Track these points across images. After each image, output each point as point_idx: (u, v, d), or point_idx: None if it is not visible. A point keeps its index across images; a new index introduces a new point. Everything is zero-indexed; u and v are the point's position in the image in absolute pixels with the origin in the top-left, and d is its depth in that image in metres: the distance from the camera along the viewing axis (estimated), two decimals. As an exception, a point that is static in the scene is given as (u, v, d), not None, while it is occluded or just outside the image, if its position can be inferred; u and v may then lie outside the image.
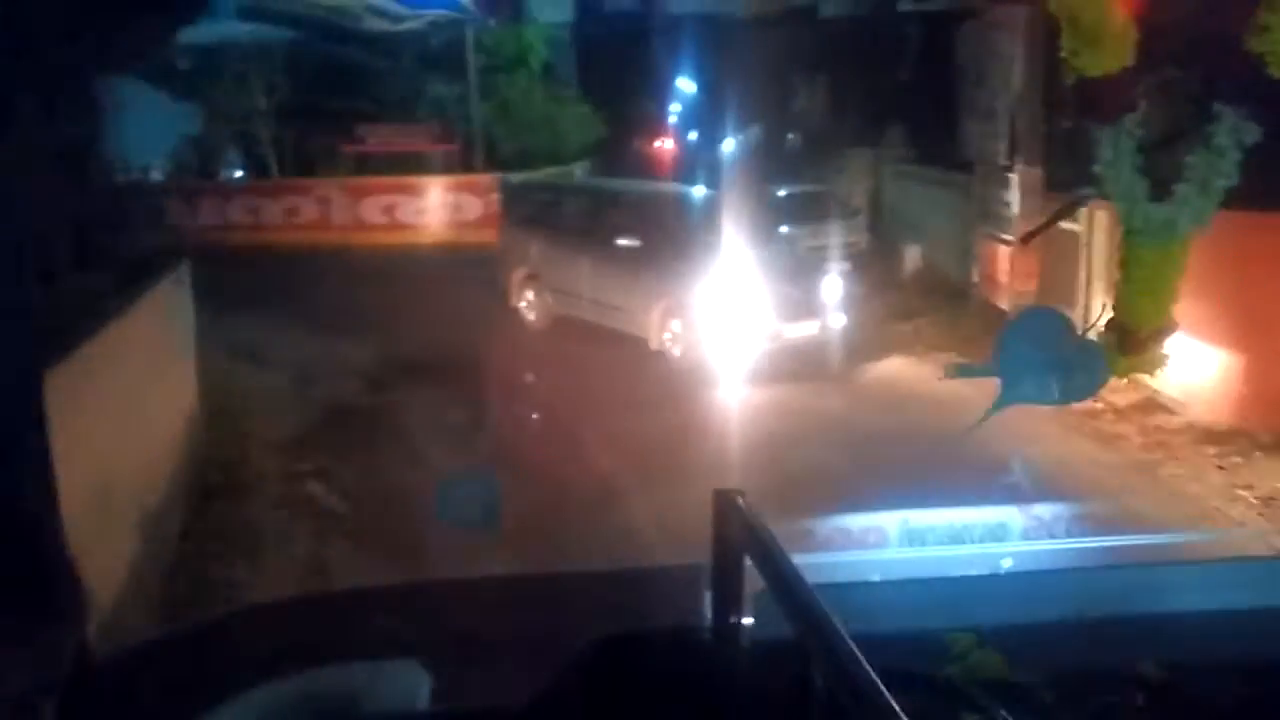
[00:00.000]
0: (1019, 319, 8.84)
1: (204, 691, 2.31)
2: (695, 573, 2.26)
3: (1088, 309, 10.58)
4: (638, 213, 12.76)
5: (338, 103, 23.33)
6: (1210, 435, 8.75)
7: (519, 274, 13.80)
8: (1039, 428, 9.29)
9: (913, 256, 15.63)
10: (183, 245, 17.95)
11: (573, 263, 12.77)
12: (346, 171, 21.66)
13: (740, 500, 2.00)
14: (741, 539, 1.97)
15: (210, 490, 7.42)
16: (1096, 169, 8.51)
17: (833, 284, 11.85)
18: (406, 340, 12.14)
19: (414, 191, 21.62)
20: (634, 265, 11.93)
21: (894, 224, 17.79)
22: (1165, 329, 8.57)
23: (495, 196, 21.30)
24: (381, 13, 20.34)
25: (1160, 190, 8.20)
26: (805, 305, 11.44)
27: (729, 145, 40.60)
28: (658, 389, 10.44)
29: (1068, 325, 7.66)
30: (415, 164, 21.95)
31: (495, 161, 23.13)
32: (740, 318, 10.88)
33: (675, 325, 11.40)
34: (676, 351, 11.36)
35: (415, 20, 21.39)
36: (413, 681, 2.39)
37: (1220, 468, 8.27)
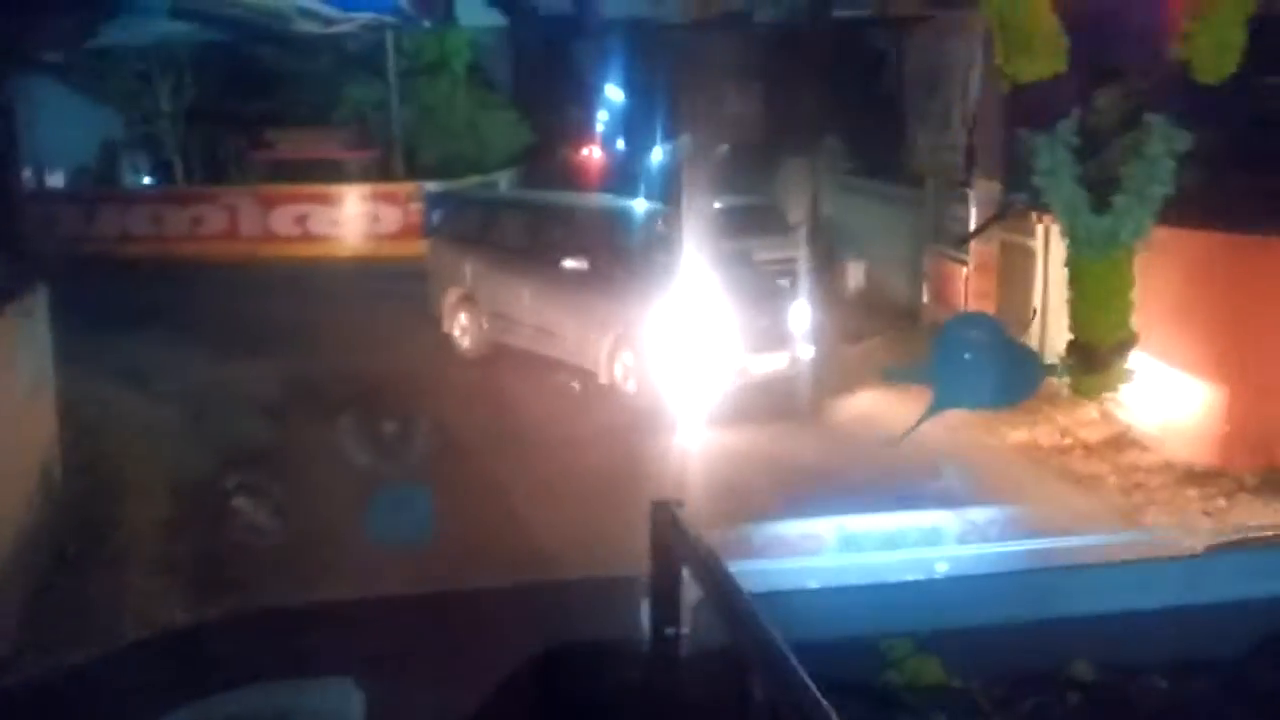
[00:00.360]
0: (952, 323, 8.46)
1: (127, 714, 2.28)
2: (633, 584, 2.28)
3: (1044, 328, 9.93)
4: (584, 230, 11.57)
5: (250, 106, 22.05)
6: (1191, 476, 8.03)
7: (452, 296, 12.41)
8: (1006, 468, 8.56)
9: (856, 274, 14.89)
10: (68, 258, 16.80)
11: (512, 285, 11.51)
12: (257, 179, 20.32)
13: (677, 511, 2.00)
14: (679, 550, 1.98)
15: (66, 560, 6.28)
16: (1034, 179, 8.28)
17: (800, 310, 10.71)
18: (321, 369, 10.96)
19: (328, 201, 20.39)
20: (581, 289, 10.73)
21: (835, 239, 17.07)
22: (1125, 343, 8.36)
23: (415, 207, 20.25)
24: (313, 15, 18.43)
25: (1100, 200, 8.11)
26: (772, 335, 10.28)
27: (657, 155, 40.15)
28: (607, 431, 9.32)
29: (1001, 329, 7.92)
30: (331, 172, 20.71)
31: (416, 169, 22.00)
32: (701, 349, 9.72)
33: (627, 357, 10.20)
34: (629, 387, 10.16)
35: (348, 23, 20.04)
36: (345, 699, 2.35)
37: (1206, 513, 7.56)
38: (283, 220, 20.24)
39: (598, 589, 2.90)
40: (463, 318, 12.26)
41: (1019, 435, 9.04)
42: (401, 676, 2.52)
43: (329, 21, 18.56)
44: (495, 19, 23.33)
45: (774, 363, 10.25)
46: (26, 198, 18.80)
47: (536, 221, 12.21)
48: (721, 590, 1.81)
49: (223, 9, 17.99)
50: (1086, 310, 8.36)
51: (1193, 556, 3.31)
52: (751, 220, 15.71)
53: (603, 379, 10.39)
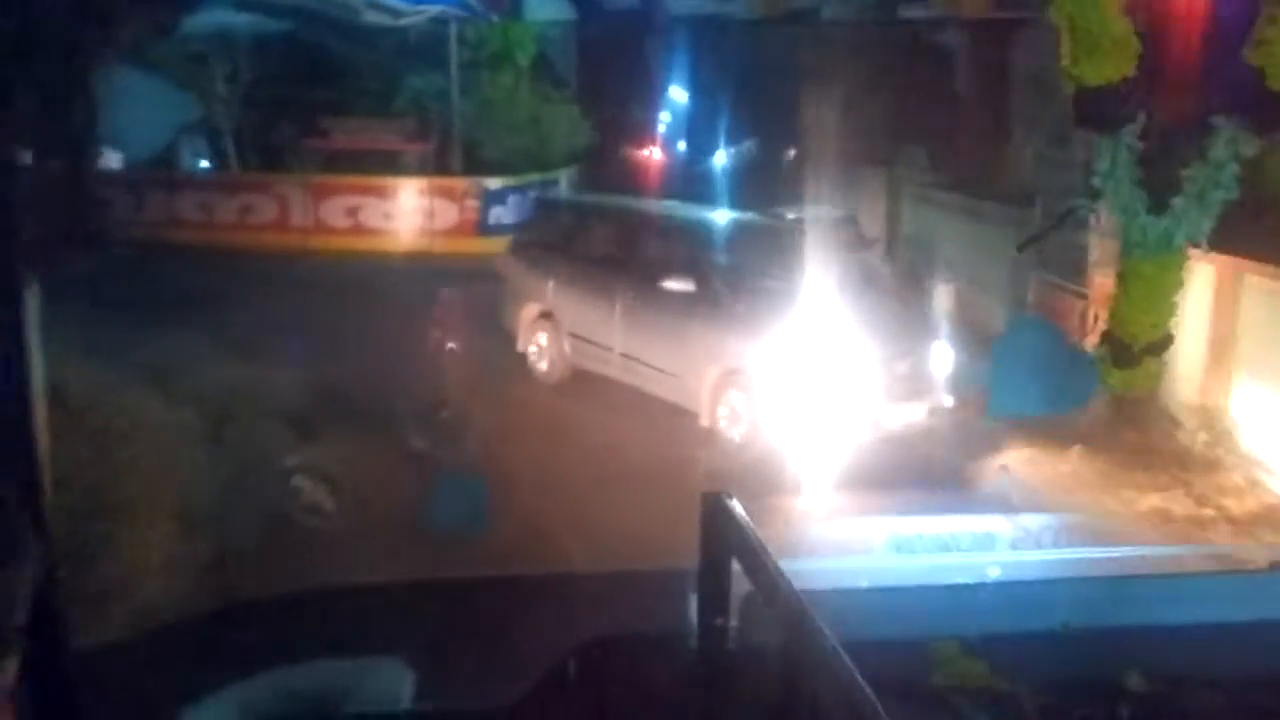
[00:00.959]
0: (1009, 331, 8.81)
1: (188, 685, 2.47)
2: (682, 577, 2.31)
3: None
4: (688, 245, 10.17)
5: (307, 93, 21.32)
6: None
7: (529, 311, 11.03)
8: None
9: (945, 298, 13.69)
10: (112, 243, 16.16)
11: (600, 304, 10.12)
12: (310, 168, 19.53)
13: (730, 502, 2.04)
14: (730, 542, 2.00)
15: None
16: (1094, 181, 8.34)
17: (942, 349, 9.05)
18: (371, 387, 9.74)
19: (382, 193, 19.57)
20: (683, 314, 9.36)
21: (917, 258, 15.87)
22: (1162, 343, 8.37)
23: (473, 203, 19.40)
24: (381, 7, 18.89)
25: (1158, 203, 8.11)
26: (913, 380, 8.69)
27: (720, 158, 39.00)
28: (705, 487, 7.93)
29: (1058, 336, 8.19)
30: (386, 163, 19.89)
31: (475, 164, 21.11)
32: (825, 394, 8.20)
33: (735, 398, 8.82)
34: (735, 434, 8.82)
35: (416, 16, 19.64)
36: (395, 679, 2.54)
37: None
38: (334, 212, 19.46)
39: (646, 580, 2.89)
40: (541, 338, 10.94)
41: (1149, 501, 7.89)
42: (449, 660, 2.64)
43: (397, 14, 19.28)
44: (563, 12, 22.64)
45: (911, 414, 8.71)
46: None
47: (632, 232, 10.78)
48: (771, 585, 1.79)
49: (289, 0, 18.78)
50: (1128, 308, 8.25)
51: (1254, 572, 3.26)
52: (830, 235, 14.57)
53: (703, 421, 9.07)
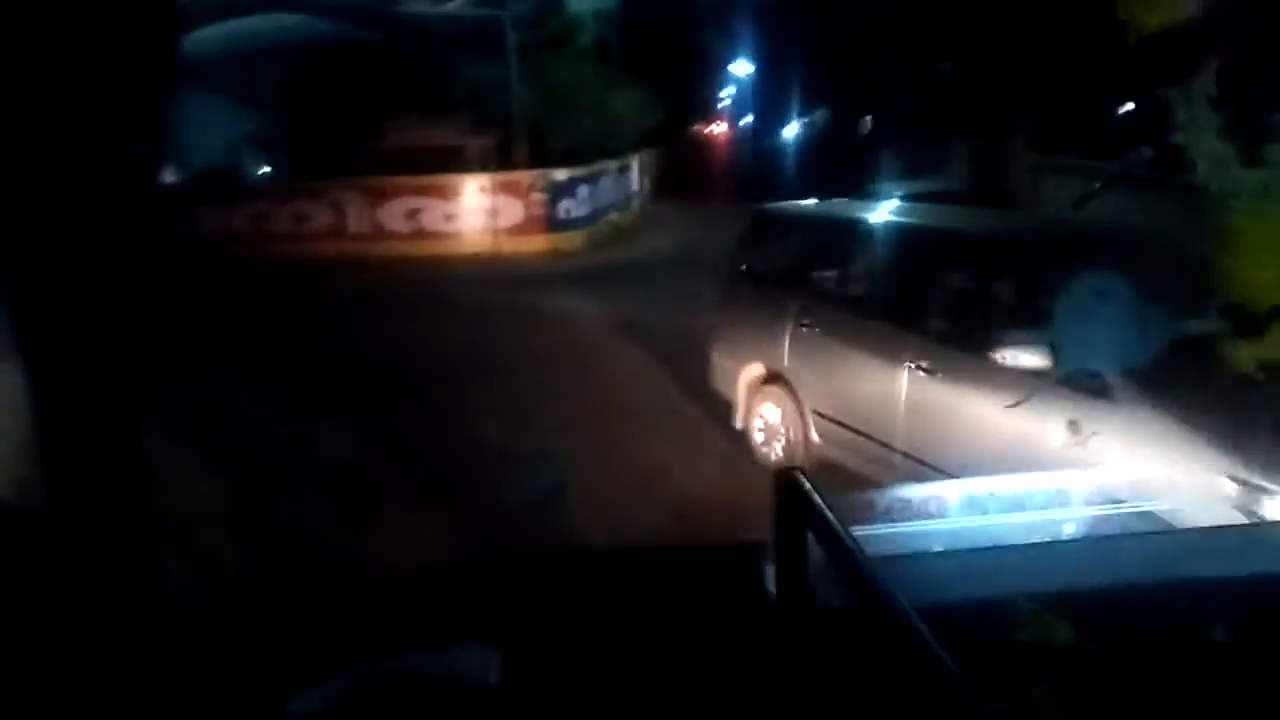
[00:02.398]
0: (1073, 286, 6.61)
1: (293, 669, 2.54)
2: (758, 549, 2.40)
3: None
4: (1022, 280, 6.06)
5: (361, 94, 20.06)
6: None
7: (751, 372, 7.54)
8: None
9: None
10: (162, 260, 14.98)
11: (873, 372, 6.41)
12: (366, 171, 18.22)
13: (800, 476, 2.08)
14: (803, 515, 2.05)
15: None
16: (1176, 135, 6.88)
17: None
18: (479, 454, 7.33)
19: (443, 193, 18.20)
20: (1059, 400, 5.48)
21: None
22: None
23: (539, 197, 17.93)
24: None
25: (1250, 153, 6.68)
26: None
27: (791, 130, 36.91)
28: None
29: (1125, 286, 6.33)
30: (446, 160, 18.51)
31: (540, 154, 19.65)
32: None
33: None
34: None
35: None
36: (485, 661, 2.55)
37: None
38: (394, 215, 18.15)
39: (723, 553, 3.03)
40: (770, 412, 7.34)
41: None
42: (535, 639, 2.72)
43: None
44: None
45: None
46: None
47: (918, 262, 6.64)
48: (845, 555, 1.85)
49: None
50: (1241, 268, 6.74)
51: None
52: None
53: None
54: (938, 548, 3.00)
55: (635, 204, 23.38)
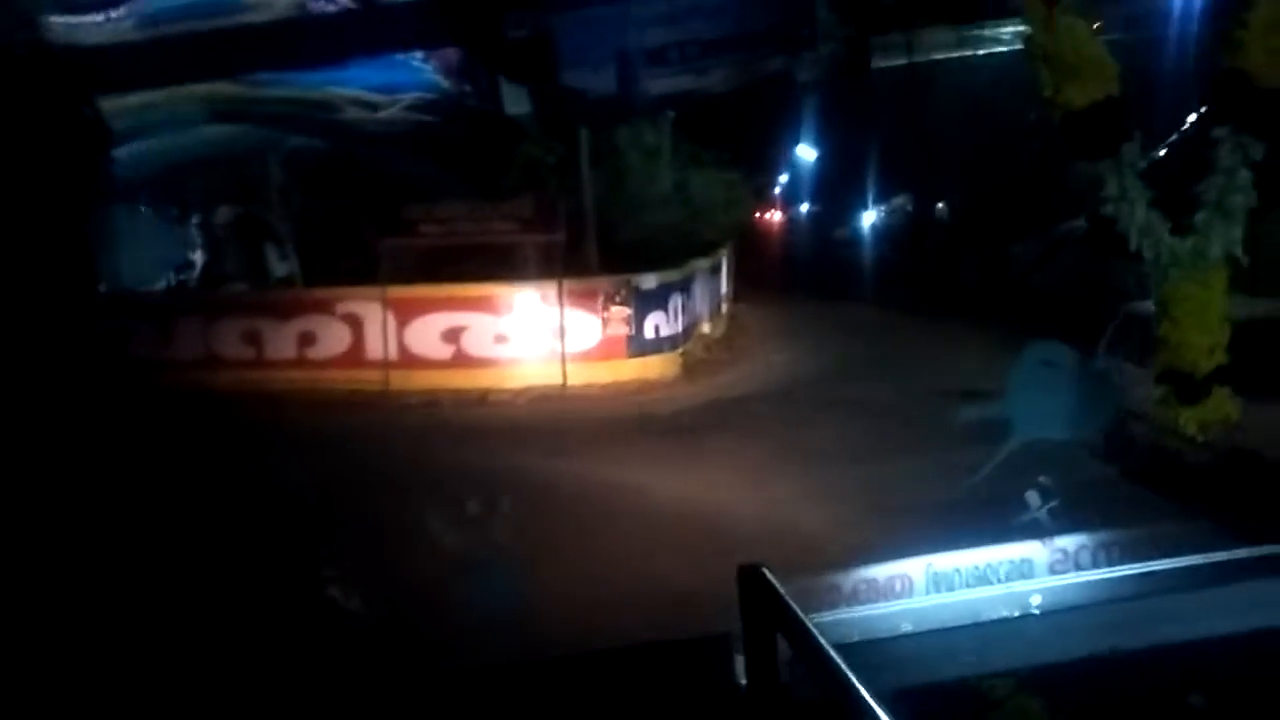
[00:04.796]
0: (1027, 355, 7.61)
1: None
2: (726, 640, 2.55)
3: None
4: None
5: (379, 175, 15.85)
6: None
7: None
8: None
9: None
10: (127, 396, 11.01)
11: None
12: (390, 276, 13.72)
13: (764, 571, 2.14)
14: (768, 609, 2.10)
15: None
16: (1106, 207, 8.18)
17: None
18: None
19: (493, 306, 13.69)
20: None
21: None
22: (1224, 368, 7.99)
23: (621, 311, 13.39)
24: (360, 103, 18.38)
25: (1178, 222, 8.05)
26: None
27: (869, 217, 34.37)
28: None
29: (1075, 357, 7.65)
30: (497, 263, 14.01)
31: (613, 253, 15.16)
32: None
33: None
34: None
35: (392, 105, 18.67)
36: None
37: None
38: (426, 336, 13.64)
39: (691, 647, 3.03)
40: None
41: None
42: None
43: (375, 107, 18.44)
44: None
45: None
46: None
47: None
48: (810, 648, 1.86)
49: (270, 107, 17.53)
50: (1179, 335, 8.04)
51: None
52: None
53: None
54: (908, 627, 3.04)
55: (724, 309, 18.92)
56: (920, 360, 13.71)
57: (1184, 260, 7.91)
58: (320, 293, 14.39)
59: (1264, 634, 2.50)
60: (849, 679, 1.71)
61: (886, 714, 1.61)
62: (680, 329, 14.37)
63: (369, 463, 9.85)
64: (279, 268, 16.56)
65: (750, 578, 2.16)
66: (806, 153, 34.72)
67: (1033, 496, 5.30)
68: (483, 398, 13.15)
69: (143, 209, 17.39)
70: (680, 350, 14.30)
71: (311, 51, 17.70)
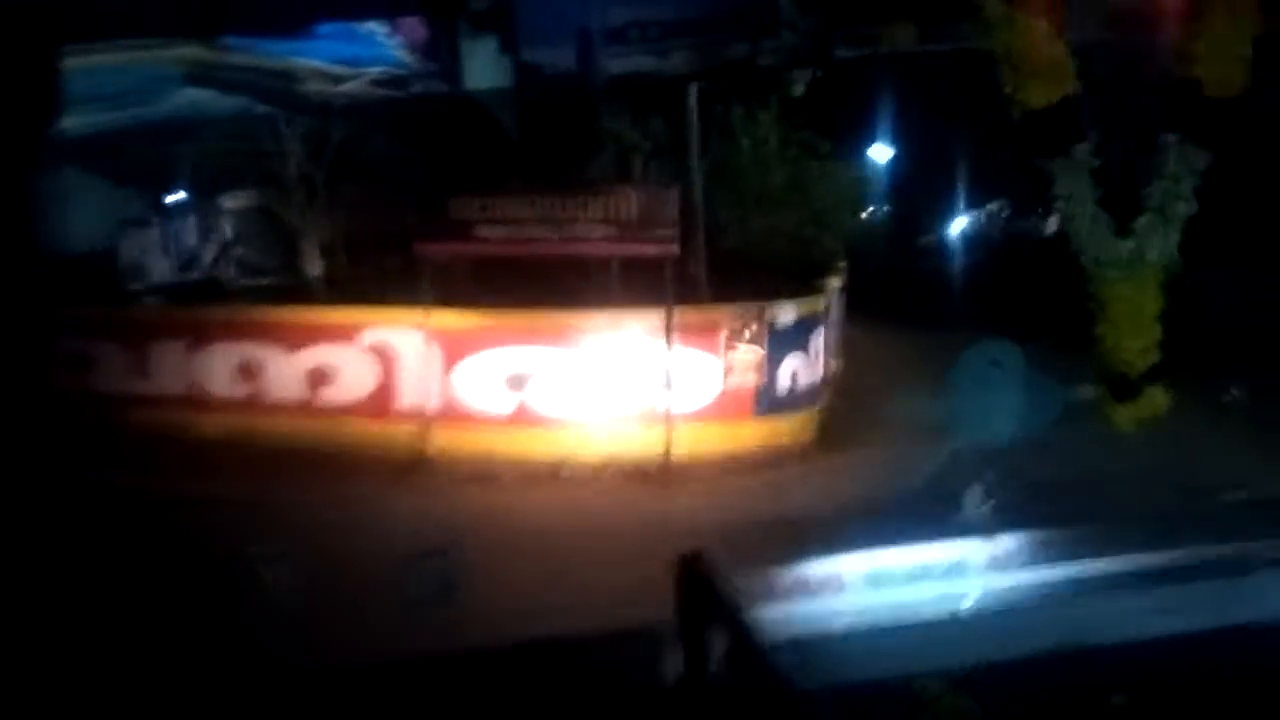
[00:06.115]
0: (969, 358, 8.21)
1: None
2: (663, 631, 2.48)
3: None
4: None
5: (419, 152, 12.31)
6: None
7: None
8: None
9: None
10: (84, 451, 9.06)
11: None
12: (431, 295, 10.04)
13: (705, 560, 2.19)
14: (705, 599, 2.16)
15: None
16: (1057, 204, 8.58)
17: None
18: None
19: (573, 342, 10.00)
20: None
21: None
22: (1157, 367, 8.25)
23: (748, 354, 9.69)
24: (323, 74, 17.35)
25: (1122, 222, 8.28)
26: None
27: (958, 225, 30.40)
28: None
29: (1017, 360, 8.15)
30: (573, 282, 10.31)
31: (717, 271, 11.40)
32: None
33: None
34: None
35: (355, 79, 17.58)
36: None
37: None
38: (482, 381, 9.96)
39: (628, 638, 3.11)
40: None
41: None
42: None
43: (338, 79, 17.83)
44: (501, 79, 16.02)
45: None
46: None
47: None
48: (745, 642, 1.96)
49: (236, 74, 16.85)
50: (1115, 335, 8.21)
51: (1240, 575, 3.35)
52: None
53: None
54: (844, 624, 3.24)
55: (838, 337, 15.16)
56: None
57: (1121, 262, 8.17)
58: (340, 314, 10.68)
59: (1190, 636, 2.62)
60: (780, 670, 1.85)
61: (818, 711, 1.70)
62: (819, 376, 10.64)
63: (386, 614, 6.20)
64: (314, 265, 12.98)
65: (690, 566, 2.22)
66: (880, 151, 31.24)
67: (972, 494, 5.81)
68: (554, 471, 9.50)
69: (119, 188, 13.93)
70: (817, 409, 10.56)
71: (273, 13, 16.04)
